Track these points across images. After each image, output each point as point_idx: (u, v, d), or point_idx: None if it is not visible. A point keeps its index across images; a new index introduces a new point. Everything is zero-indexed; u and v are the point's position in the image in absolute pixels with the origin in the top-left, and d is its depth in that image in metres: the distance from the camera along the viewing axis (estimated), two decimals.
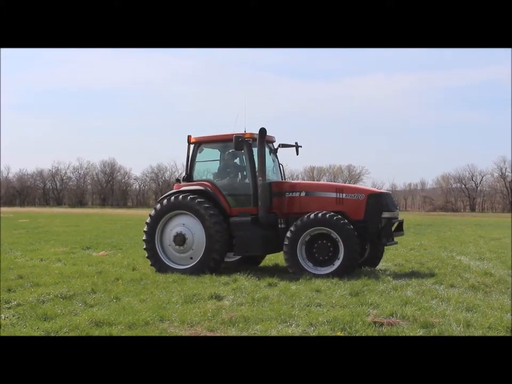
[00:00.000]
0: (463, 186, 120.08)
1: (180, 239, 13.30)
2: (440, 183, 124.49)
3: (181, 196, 13.33)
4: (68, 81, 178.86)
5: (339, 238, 12.26)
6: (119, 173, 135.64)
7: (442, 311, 8.53)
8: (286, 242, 12.58)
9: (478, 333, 7.26)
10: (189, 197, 13.23)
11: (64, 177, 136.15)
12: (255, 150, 13.16)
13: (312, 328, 7.61)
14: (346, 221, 12.36)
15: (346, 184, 14.75)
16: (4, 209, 73.81)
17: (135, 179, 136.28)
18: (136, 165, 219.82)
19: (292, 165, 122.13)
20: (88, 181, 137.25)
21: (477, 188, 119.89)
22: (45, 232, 28.64)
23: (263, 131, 12.86)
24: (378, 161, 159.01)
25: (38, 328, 7.60)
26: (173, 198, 13.43)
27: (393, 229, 13.38)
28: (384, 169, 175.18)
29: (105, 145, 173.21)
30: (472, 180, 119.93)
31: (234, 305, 9.20)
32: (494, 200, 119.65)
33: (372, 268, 13.44)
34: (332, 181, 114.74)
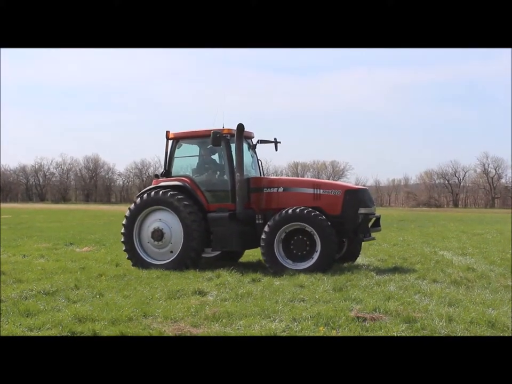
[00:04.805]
0: (446, 182, 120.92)
1: (158, 235, 13.33)
2: (423, 179, 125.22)
3: (160, 192, 13.33)
4: (50, 77, 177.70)
5: (316, 233, 12.33)
6: (102, 169, 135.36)
7: (425, 305, 8.57)
8: (263, 237, 12.62)
9: (460, 327, 7.29)
10: (166, 193, 13.25)
11: (47, 173, 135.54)
12: (233, 146, 13.17)
13: (296, 324, 7.61)
14: (323, 216, 12.41)
15: (324, 180, 14.83)
16: None
17: (118, 175, 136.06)
18: (120, 160, 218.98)
19: (276, 161, 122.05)
20: (72, 176, 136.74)
21: (460, 183, 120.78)
22: (27, 228, 28.48)
23: (240, 127, 12.83)
24: (362, 157, 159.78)
25: (20, 325, 7.54)
26: (152, 193, 13.43)
27: (370, 224, 13.48)
28: (367, 165, 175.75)
29: (89, 141, 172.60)
30: (455, 176, 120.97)
31: (218, 301, 9.19)
32: (477, 195, 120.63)
33: (350, 263, 13.55)
34: (315, 177, 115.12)
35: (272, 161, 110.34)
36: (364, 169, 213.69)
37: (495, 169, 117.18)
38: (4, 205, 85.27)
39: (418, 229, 29.58)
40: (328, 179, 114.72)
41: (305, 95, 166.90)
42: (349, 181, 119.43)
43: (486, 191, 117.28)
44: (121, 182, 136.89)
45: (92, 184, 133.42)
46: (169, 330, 7.38)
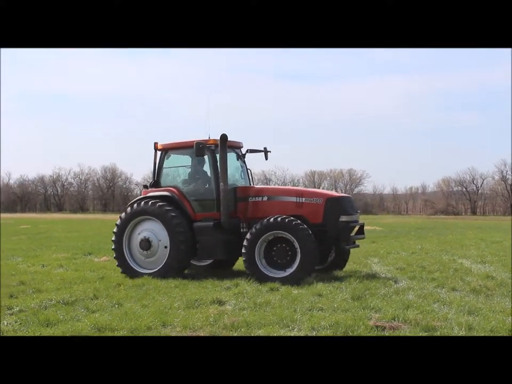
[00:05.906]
0: (464, 189, 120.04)
1: (146, 244, 13.51)
2: (441, 187, 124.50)
3: (149, 202, 13.54)
4: (68, 86, 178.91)
5: (295, 242, 12.40)
6: (120, 178, 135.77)
7: (444, 314, 8.53)
8: (245, 245, 12.72)
9: (480, 336, 7.26)
10: (154, 203, 13.48)
11: (65, 183, 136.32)
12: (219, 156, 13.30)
13: (314, 333, 7.62)
14: (303, 224, 12.48)
15: (307, 189, 14.98)
16: (4, 215, 73.78)
17: (136, 184, 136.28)
18: (137, 170, 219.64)
19: (293, 170, 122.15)
20: (89, 186, 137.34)
21: (478, 190, 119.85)
22: (46, 238, 28.65)
23: (224, 137, 13.07)
24: (379, 165, 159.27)
25: (40, 334, 7.60)
26: (142, 203, 13.68)
27: (354, 232, 13.57)
28: (385, 172, 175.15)
29: (106, 150, 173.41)
30: (473, 183, 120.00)
31: (236, 310, 9.20)
32: (495, 203, 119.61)
33: (339, 270, 13.72)
34: (332, 186, 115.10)
35: (289, 170, 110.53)
36: (381, 177, 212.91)
37: None
38: (22, 215, 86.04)
39: (436, 237, 29.41)
40: (345, 187, 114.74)
41: (321, 103, 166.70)
42: (366, 189, 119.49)
43: (504, 198, 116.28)
44: (138, 192, 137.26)
45: (109, 193, 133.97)
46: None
